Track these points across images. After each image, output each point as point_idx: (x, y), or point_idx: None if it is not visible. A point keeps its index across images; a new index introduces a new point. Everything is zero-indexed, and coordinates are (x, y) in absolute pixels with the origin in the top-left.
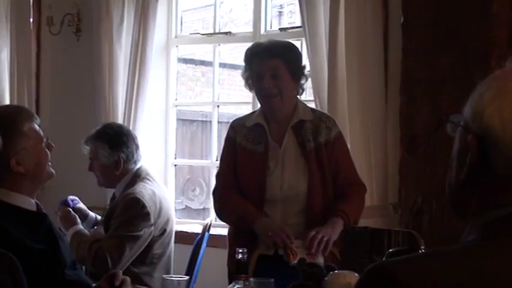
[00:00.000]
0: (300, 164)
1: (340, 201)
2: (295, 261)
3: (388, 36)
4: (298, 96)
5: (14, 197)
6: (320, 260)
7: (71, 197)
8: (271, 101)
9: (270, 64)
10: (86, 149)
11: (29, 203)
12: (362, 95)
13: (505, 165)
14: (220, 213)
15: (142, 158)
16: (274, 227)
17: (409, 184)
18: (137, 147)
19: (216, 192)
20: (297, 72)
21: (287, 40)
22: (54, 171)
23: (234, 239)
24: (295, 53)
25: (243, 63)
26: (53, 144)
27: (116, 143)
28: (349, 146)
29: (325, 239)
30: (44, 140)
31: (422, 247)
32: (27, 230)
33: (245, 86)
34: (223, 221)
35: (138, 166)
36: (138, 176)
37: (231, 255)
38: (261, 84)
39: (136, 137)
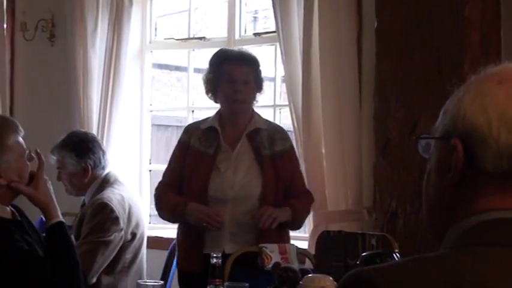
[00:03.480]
0: (253, 167)
1: (291, 198)
2: (270, 266)
3: (362, 41)
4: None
5: None
6: (294, 264)
7: None
8: (237, 106)
9: (244, 70)
10: (53, 159)
11: (4, 211)
12: (336, 99)
13: (493, 159)
14: (159, 211)
15: (114, 163)
16: (209, 211)
17: (384, 188)
18: (104, 152)
19: (156, 192)
20: (260, 83)
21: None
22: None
23: (183, 239)
24: (259, 65)
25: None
26: (34, 156)
27: (82, 151)
28: (323, 150)
29: (273, 214)
30: (26, 152)
31: (396, 250)
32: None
33: (205, 89)
34: (163, 219)
35: (106, 171)
36: (107, 182)
37: (181, 256)
38: (233, 87)
39: (101, 142)
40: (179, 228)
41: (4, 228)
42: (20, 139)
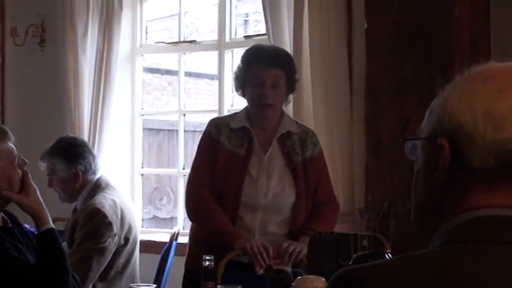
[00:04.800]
0: (286, 175)
1: (315, 221)
2: (262, 271)
3: (352, 42)
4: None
5: None
6: (287, 267)
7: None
8: (265, 110)
9: (273, 73)
10: (43, 166)
11: None
12: (327, 101)
13: (480, 156)
14: (195, 217)
15: (106, 168)
16: (255, 242)
17: (376, 189)
18: (94, 157)
19: (192, 192)
20: (293, 84)
21: (284, 49)
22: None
23: (204, 242)
24: (294, 65)
25: (208, 72)
26: (27, 161)
27: (72, 156)
28: None
29: (297, 250)
30: (16, 159)
31: (388, 251)
32: None
33: (235, 86)
34: (196, 223)
35: (97, 176)
36: (98, 187)
37: (196, 256)
38: (260, 91)
39: (92, 147)
40: (194, 228)
41: None
42: (10, 145)
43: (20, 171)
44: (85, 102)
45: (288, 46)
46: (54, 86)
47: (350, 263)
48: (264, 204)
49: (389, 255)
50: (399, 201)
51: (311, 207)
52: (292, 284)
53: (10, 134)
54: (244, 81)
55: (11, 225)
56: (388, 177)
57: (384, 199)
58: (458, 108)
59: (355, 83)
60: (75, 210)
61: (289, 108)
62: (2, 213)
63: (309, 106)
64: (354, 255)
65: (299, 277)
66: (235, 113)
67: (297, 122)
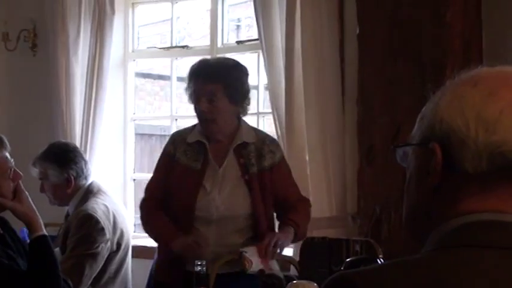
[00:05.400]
0: (240, 186)
1: (290, 213)
2: (251, 269)
3: (344, 47)
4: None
5: None
6: (275, 267)
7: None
8: (206, 125)
9: (207, 88)
10: (35, 171)
11: None
12: (319, 106)
13: (472, 159)
14: (145, 231)
15: (98, 173)
16: (188, 241)
17: (368, 194)
18: (86, 162)
19: (141, 210)
20: (237, 96)
21: (235, 60)
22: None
23: (164, 255)
24: (238, 76)
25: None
26: (21, 174)
27: (63, 161)
28: (307, 157)
29: (279, 242)
30: (10, 170)
31: (381, 256)
32: None
33: (188, 101)
34: (147, 233)
35: (89, 181)
36: (90, 192)
37: (161, 269)
38: (197, 106)
39: (84, 152)
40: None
41: None
42: (5, 155)
43: (11, 183)
44: (77, 107)
45: (280, 51)
46: (46, 91)
47: (342, 268)
48: (217, 217)
49: (382, 260)
50: (392, 206)
51: (284, 208)
52: None
53: (6, 143)
54: (190, 97)
55: (1, 231)
56: (381, 182)
57: (376, 204)
58: (449, 113)
59: (348, 88)
60: (67, 215)
61: (281, 114)
62: None
63: (301, 111)
64: (346, 260)
65: (291, 282)
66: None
67: (256, 131)
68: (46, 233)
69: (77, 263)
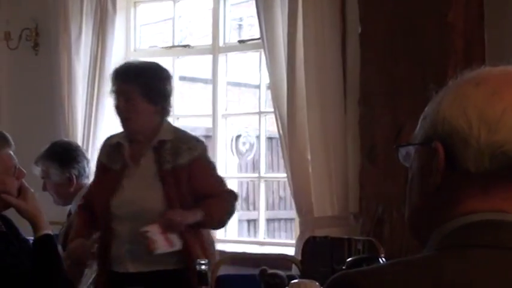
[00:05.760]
0: (154, 183)
1: (205, 200)
2: (157, 250)
3: (346, 47)
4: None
5: None
6: (177, 242)
7: None
8: (123, 124)
9: (123, 88)
10: (37, 170)
11: None
12: (321, 105)
13: (475, 159)
14: None
15: None
16: (73, 247)
17: (370, 193)
18: (88, 161)
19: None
20: (155, 96)
21: (157, 64)
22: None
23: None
24: (155, 78)
25: (202, 76)
26: (25, 172)
27: (65, 160)
28: (309, 156)
29: (180, 217)
30: (14, 167)
31: (383, 255)
32: None
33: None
34: None
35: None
36: None
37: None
38: (116, 107)
39: (86, 151)
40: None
41: None
42: (8, 153)
43: (16, 181)
44: (79, 106)
45: (281, 50)
46: (48, 90)
47: (344, 267)
48: (130, 214)
49: (384, 259)
50: (394, 205)
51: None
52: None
53: (11, 141)
54: (112, 97)
55: (5, 229)
56: (383, 181)
57: (378, 203)
58: (452, 113)
59: (349, 88)
60: (69, 214)
61: (283, 113)
62: None
63: (303, 110)
64: (348, 259)
65: (293, 281)
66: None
67: (175, 130)
68: (51, 232)
69: None
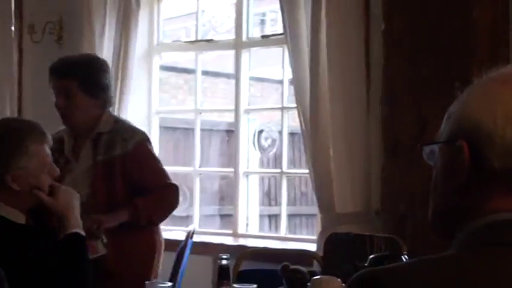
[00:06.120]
0: (85, 177)
1: (139, 196)
2: (95, 255)
3: (370, 43)
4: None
5: (1, 207)
6: (100, 248)
7: None
8: (64, 120)
9: (62, 84)
10: None
11: (18, 215)
12: (344, 101)
13: (500, 157)
14: None
15: None
16: None
17: (393, 190)
18: None
19: None
20: (92, 89)
21: (94, 56)
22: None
23: None
24: (91, 71)
25: (225, 71)
26: (58, 171)
27: None
28: (331, 152)
29: (94, 225)
30: (49, 165)
31: (405, 252)
32: (12, 241)
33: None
34: None
35: None
36: None
37: None
38: (56, 102)
39: None
40: None
41: (14, 233)
42: (46, 149)
43: (49, 178)
44: None
45: (305, 45)
46: None
47: (366, 264)
48: None
49: (406, 257)
50: (416, 203)
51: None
52: (308, 284)
53: (49, 138)
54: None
55: (33, 224)
56: (406, 178)
57: (401, 201)
58: (477, 110)
59: (373, 84)
60: None
61: (306, 109)
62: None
63: (325, 106)
64: (371, 257)
65: (314, 277)
66: None
67: (115, 121)
68: (80, 231)
69: None
